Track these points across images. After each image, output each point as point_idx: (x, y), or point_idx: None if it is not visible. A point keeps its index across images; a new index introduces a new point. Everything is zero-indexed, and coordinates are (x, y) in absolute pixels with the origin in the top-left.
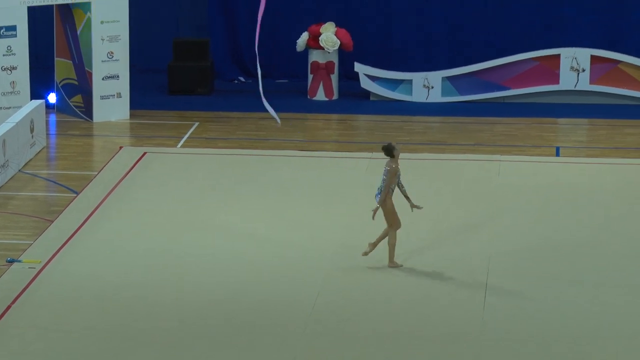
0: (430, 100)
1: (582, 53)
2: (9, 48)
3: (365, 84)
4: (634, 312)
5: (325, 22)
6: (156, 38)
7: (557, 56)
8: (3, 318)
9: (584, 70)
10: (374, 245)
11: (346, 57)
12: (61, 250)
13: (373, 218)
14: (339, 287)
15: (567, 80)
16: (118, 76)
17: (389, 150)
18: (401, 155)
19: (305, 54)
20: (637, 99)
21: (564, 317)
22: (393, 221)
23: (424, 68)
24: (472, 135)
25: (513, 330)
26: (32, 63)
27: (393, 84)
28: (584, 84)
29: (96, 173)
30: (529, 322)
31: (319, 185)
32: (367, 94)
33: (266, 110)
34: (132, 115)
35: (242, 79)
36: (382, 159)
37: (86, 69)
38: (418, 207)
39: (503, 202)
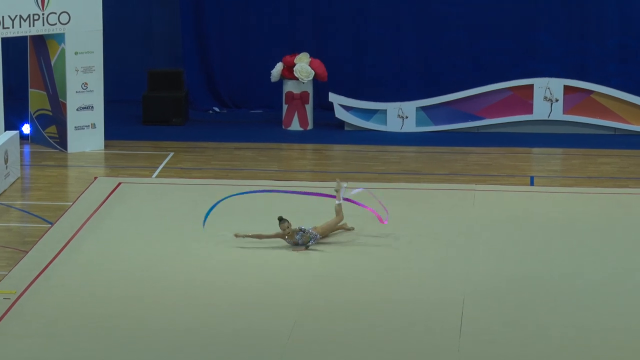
0: (405, 130)
1: (555, 83)
2: None
3: (340, 114)
4: (612, 337)
5: (299, 52)
6: (130, 69)
7: (531, 86)
8: None
9: (557, 100)
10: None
11: (320, 87)
12: (36, 281)
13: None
14: (315, 317)
15: (541, 110)
16: (92, 107)
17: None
18: (377, 184)
19: (279, 84)
20: (611, 129)
21: (541, 343)
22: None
23: (398, 98)
24: (447, 164)
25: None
26: (5, 94)
27: (367, 113)
28: (558, 114)
29: (71, 203)
30: (507, 347)
31: (293, 215)
32: (341, 123)
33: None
34: (106, 146)
35: (216, 109)
36: (356, 188)
37: (60, 99)
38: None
39: (478, 231)
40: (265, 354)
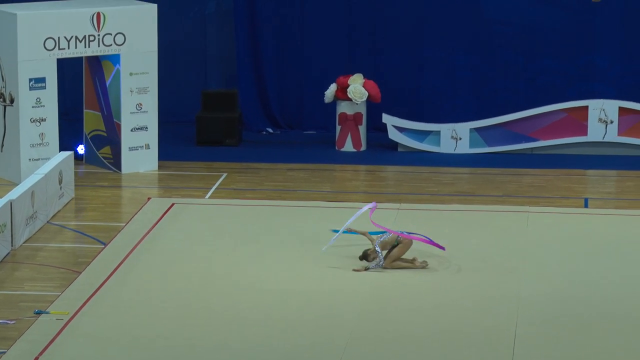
0: (458, 151)
1: (610, 105)
2: (38, 100)
3: (393, 135)
4: None
5: (353, 73)
6: (184, 89)
7: (585, 107)
8: None
9: (612, 122)
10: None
11: (374, 109)
12: (89, 302)
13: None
14: (366, 342)
15: (595, 132)
16: (147, 127)
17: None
18: (430, 205)
19: (333, 105)
20: None
21: None
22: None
23: (452, 119)
24: (500, 186)
25: None
26: (61, 115)
27: (421, 135)
28: (612, 136)
29: (124, 224)
30: None
31: (346, 237)
32: (395, 145)
33: (295, 161)
34: (160, 167)
35: (270, 130)
36: (411, 210)
37: (115, 120)
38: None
39: (532, 253)
40: None
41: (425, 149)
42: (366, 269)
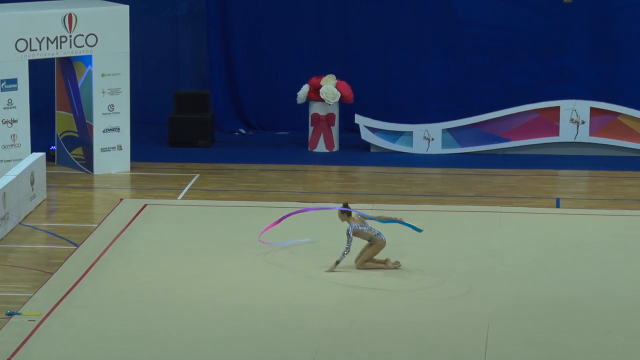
0: (431, 152)
1: (581, 105)
2: (9, 101)
3: (366, 135)
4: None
5: (325, 74)
6: (157, 90)
7: (557, 108)
8: None
9: (583, 122)
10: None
11: (347, 109)
12: (61, 303)
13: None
14: (339, 339)
15: (567, 132)
16: (119, 129)
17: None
18: (403, 206)
19: (305, 106)
20: (637, 151)
21: None
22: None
23: (424, 120)
24: (473, 186)
25: None
26: (32, 116)
27: (393, 135)
28: (584, 136)
29: (96, 225)
30: None
31: (320, 237)
32: (367, 145)
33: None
34: (132, 168)
35: (242, 130)
36: (383, 210)
37: (87, 121)
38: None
39: (504, 253)
40: None
41: (397, 150)
42: (336, 262)
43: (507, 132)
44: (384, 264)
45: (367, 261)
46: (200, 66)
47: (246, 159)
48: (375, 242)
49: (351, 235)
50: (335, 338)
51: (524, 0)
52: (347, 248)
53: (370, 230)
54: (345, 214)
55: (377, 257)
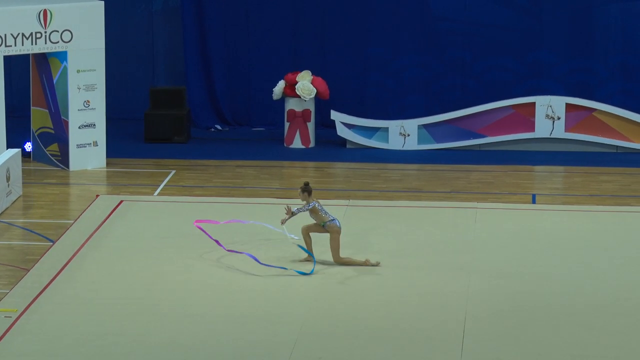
0: (407, 147)
1: (557, 101)
2: None
3: (342, 131)
4: (612, 356)
5: (301, 70)
6: (132, 86)
7: (533, 104)
8: None
9: (559, 118)
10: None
11: (322, 105)
12: (37, 299)
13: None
14: (316, 336)
15: (543, 128)
16: (94, 125)
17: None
18: (378, 202)
19: (281, 102)
20: (612, 147)
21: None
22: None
23: (400, 116)
24: (449, 182)
25: None
26: (8, 112)
27: (369, 131)
28: (560, 132)
29: (72, 222)
30: None
31: (296, 233)
32: (343, 141)
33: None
34: (108, 164)
35: (218, 127)
36: (360, 207)
37: (62, 117)
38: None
39: (479, 249)
40: None
41: (373, 146)
42: (292, 213)
43: (483, 128)
44: (364, 264)
45: (337, 251)
46: (175, 62)
47: (222, 155)
48: (330, 229)
49: (308, 208)
50: (312, 334)
51: None
52: (303, 208)
53: (326, 214)
54: (306, 192)
55: (356, 257)
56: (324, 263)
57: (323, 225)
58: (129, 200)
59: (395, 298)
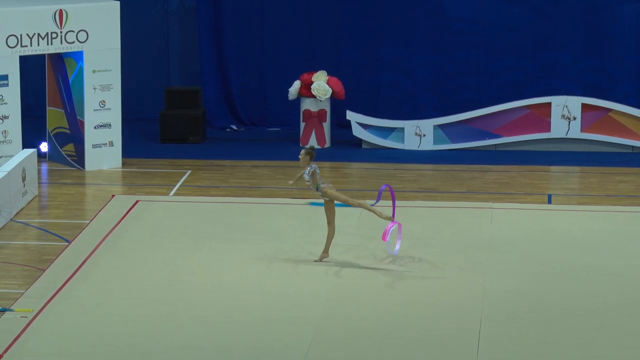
0: (422, 148)
1: (573, 101)
2: (0, 97)
3: (357, 132)
4: (631, 357)
5: (317, 70)
6: (148, 86)
7: (548, 104)
8: None
9: (575, 119)
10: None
11: (338, 106)
12: (53, 299)
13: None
14: (333, 335)
15: (559, 128)
16: (110, 125)
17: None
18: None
19: (297, 102)
20: (628, 147)
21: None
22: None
23: (416, 116)
24: (464, 182)
25: None
26: (24, 112)
27: (385, 132)
28: (575, 132)
29: (88, 222)
30: None
31: (311, 233)
32: (359, 142)
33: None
34: (124, 164)
35: (234, 127)
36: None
37: (78, 117)
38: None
39: (496, 249)
40: None
41: (389, 146)
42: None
43: (499, 128)
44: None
45: (343, 195)
46: (191, 62)
47: (238, 155)
48: (323, 191)
49: (310, 171)
50: (329, 333)
51: None
52: (306, 173)
53: (320, 178)
54: (309, 156)
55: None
56: (338, 264)
57: (316, 188)
58: (144, 201)
59: (411, 299)
